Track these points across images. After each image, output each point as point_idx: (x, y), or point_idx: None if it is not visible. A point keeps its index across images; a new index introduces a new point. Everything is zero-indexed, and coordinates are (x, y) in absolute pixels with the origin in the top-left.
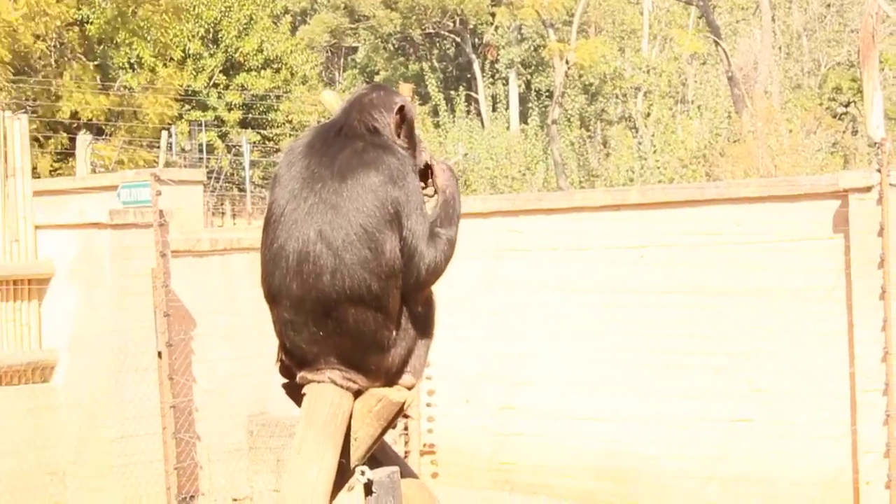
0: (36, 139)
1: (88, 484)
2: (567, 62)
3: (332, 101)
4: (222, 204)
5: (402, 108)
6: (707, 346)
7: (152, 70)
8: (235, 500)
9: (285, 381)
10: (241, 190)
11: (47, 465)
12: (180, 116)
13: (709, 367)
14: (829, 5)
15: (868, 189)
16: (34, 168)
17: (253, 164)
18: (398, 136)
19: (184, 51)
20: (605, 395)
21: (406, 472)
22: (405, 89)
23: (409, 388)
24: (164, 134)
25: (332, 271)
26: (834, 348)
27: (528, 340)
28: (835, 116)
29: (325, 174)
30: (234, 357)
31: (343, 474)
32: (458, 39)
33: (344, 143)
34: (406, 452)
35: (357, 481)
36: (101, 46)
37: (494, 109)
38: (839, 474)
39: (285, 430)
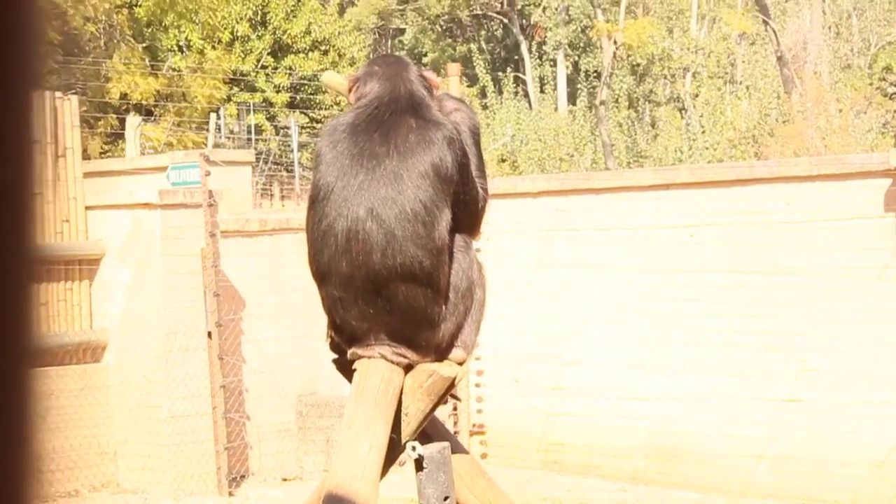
0: (86, 121)
1: (139, 463)
2: (615, 43)
3: (335, 82)
4: (271, 185)
5: (427, 72)
6: (758, 326)
7: (200, 52)
8: (285, 479)
9: (335, 356)
10: (289, 172)
11: (98, 445)
12: (228, 99)
13: (759, 346)
14: None
15: None
16: (84, 150)
17: (301, 145)
18: (433, 97)
19: (232, 33)
20: (655, 374)
21: (457, 448)
22: (453, 70)
23: (460, 364)
24: (213, 116)
25: (383, 249)
26: (886, 328)
27: (578, 320)
28: (885, 96)
29: (379, 152)
30: (283, 337)
31: (394, 450)
32: (505, 21)
33: (395, 121)
34: (455, 432)
35: (408, 457)
36: (150, 29)
37: (542, 91)
38: (890, 454)
39: (335, 410)
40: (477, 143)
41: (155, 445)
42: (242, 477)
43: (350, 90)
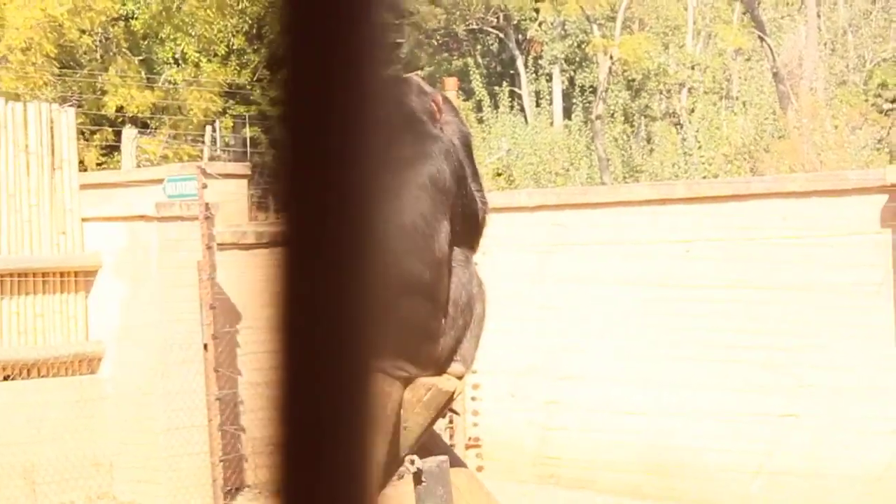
0: (82, 133)
1: (135, 475)
2: (611, 58)
3: None
4: (266, 199)
5: (433, 94)
6: (754, 341)
7: (196, 65)
8: None
9: None
10: None
11: (94, 457)
12: (224, 111)
13: (756, 361)
14: (874, 1)
15: None
16: (81, 161)
17: None
18: (435, 120)
19: (228, 46)
20: (651, 389)
21: (455, 462)
22: (450, 84)
23: (459, 377)
24: (209, 129)
25: (383, 262)
26: (882, 343)
27: (574, 335)
28: (881, 112)
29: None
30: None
31: (393, 463)
32: (501, 35)
33: (389, 136)
34: (451, 445)
35: (406, 470)
36: (146, 41)
37: (538, 105)
38: (886, 469)
39: None
40: (470, 156)
41: (150, 457)
42: (238, 489)
43: None
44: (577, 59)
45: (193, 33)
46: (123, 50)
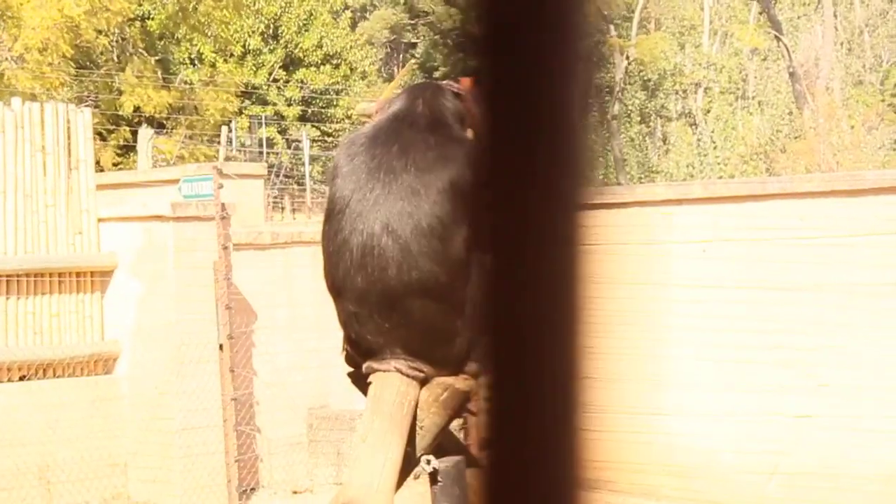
0: (98, 133)
1: (150, 475)
2: (627, 58)
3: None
4: (282, 199)
5: (466, 99)
6: (771, 341)
7: (213, 65)
8: (296, 492)
9: (351, 370)
10: (300, 185)
11: (109, 457)
12: (240, 112)
13: (773, 362)
14: (891, 1)
15: None
16: (97, 162)
17: (312, 159)
18: (465, 124)
19: (244, 46)
20: (668, 389)
21: (472, 462)
22: (468, 84)
23: (476, 377)
24: (224, 129)
25: (398, 264)
26: None
27: (590, 335)
28: None
29: (395, 166)
30: (294, 350)
31: (409, 463)
32: None
33: (414, 136)
34: (467, 445)
35: (423, 470)
36: (162, 42)
37: None
38: None
39: (346, 423)
40: None
41: (166, 457)
42: (252, 489)
43: (376, 112)
44: (593, 58)
45: (209, 33)
46: (140, 50)
